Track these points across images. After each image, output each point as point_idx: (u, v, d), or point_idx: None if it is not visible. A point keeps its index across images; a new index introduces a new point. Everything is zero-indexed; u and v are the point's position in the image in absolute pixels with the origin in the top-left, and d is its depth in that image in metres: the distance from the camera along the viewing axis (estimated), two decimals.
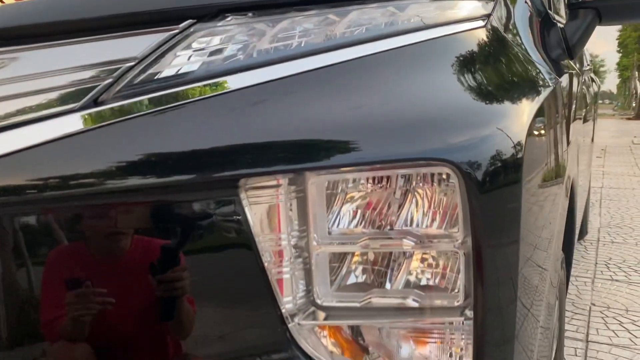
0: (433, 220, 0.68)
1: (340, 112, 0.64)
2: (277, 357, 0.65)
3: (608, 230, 4.34)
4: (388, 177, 0.69)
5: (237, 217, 0.63)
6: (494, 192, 0.63)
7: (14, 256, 0.62)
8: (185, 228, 0.62)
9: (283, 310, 0.66)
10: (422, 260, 0.71)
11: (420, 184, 0.68)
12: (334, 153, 0.62)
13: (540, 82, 0.91)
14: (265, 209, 0.65)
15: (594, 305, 2.85)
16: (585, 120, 2.14)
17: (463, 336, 0.68)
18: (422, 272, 0.71)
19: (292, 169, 0.62)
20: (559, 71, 1.12)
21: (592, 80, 3.73)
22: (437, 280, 0.70)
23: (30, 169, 0.59)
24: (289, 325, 0.66)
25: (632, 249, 3.81)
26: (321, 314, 0.69)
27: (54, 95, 0.61)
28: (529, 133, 0.70)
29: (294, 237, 0.68)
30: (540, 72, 0.95)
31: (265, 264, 0.65)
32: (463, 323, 0.67)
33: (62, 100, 0.61)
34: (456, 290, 0.68)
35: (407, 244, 0.67)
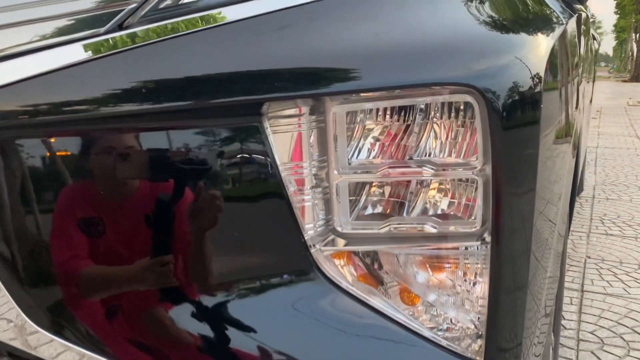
0: (452, 148, 0.69)
1: (364, 38, 0.64)
2: (302, 278, 0.68)
3: (603, 188, 4.40)
4: (407, 108, 0.69)
5: (261, 145, 0.64)
6: (512, 117, 0.64)
7: (41, 179, 0.63)
8: (213, 154, 0.63)
9: (306, 237, 0.68)
10: (440, 189, 0.73)
11: (439, 114, 0.69)
12: (357, 78, 0.62)
13: (555, 20, 0.91)
14: (287, 138, 0.66)
15: (589, 257, 2.91)
16: (586, 80, 2.13)
17: (479, 261, 0.70)
18: (440, 200, 0.73)
19: (314, 94, 0.63)
20: (572, 10, 1.12)
21: (593, 37, 3.70)
22: (454, 208, 0.72)
23: (57, 91, 0.59)
24: (312, 251, 0.68)
25: (626, 205, 3.87)
26: (341, 241, 0.71)
27: (79, 19, 0.61)
28: (548, 62, 0.71)
29: (315, 167, 0.69)
30: (554, 10, 0.95)
31: (289, 192, 0.66)
32: (478, 248, 0.69)
33: (88, 24, 0.61)
34: (473, 217, 0.70)
35: (427, 172, 0.68)
